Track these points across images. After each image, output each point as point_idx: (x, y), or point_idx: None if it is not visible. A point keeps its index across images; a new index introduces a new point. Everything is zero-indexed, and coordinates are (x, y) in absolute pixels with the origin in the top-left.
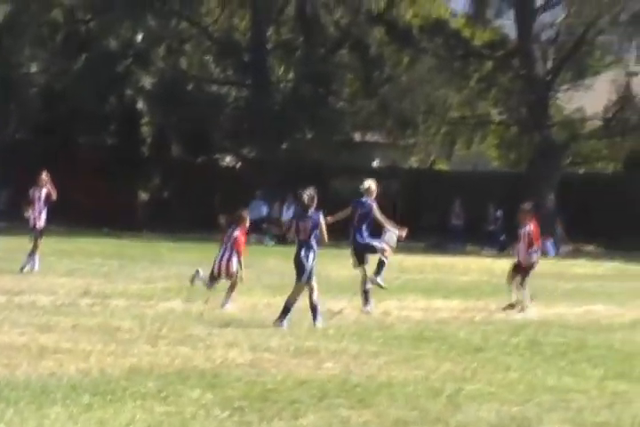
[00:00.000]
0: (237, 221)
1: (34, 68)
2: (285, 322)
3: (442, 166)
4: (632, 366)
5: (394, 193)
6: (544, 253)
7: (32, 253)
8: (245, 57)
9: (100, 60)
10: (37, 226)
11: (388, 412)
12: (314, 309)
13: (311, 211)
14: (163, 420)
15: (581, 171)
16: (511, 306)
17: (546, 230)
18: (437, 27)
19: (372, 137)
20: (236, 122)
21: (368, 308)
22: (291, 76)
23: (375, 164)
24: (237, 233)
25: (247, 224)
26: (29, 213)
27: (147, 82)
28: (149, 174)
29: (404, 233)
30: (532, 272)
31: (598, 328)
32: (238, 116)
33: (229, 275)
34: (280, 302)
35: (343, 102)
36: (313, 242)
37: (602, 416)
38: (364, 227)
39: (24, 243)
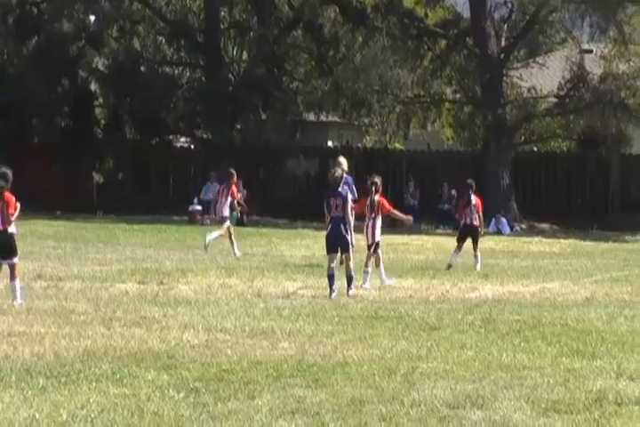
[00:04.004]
0: (375, 188)
1: None
2: (354, 289)
3: (397, 146)
4: (586, 343)
5: (349, 173)
6: (499, 232)
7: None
8: (199, 38)
9: (52, 43)
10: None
11: (344, 391)
12: (350, 277)
13: (341, 188)
14: (118, 402)
15: (535, 149)
16: None
17: (501, 209)
18: (391, 6)
19: (326, 117)
20: (189, 103)
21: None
22: (244, 56)
23: (330, 144)
24: (378, 197)
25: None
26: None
27: (100, 63)
28: (103, 156)
29: None
30: None
31: (553, 306)
32: (192, 97)
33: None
34: (235, 282)
35: (297, 83)
36: (345, 217)
37: (556, 393)
38: None
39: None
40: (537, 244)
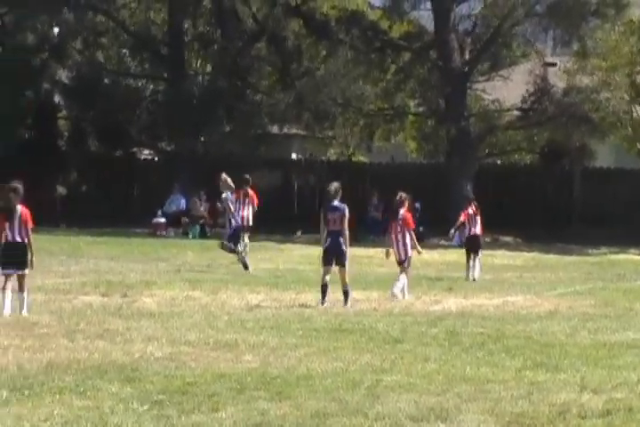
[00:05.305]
0: (400, 204)
1: None
2: (349, 303)
3: (360, 158)
4: (549, 355)
5: (312, 185)
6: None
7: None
8: (162, 50)
9: (15, 54)
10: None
11: (308, 404)
12: (346, 292)
13: (337, 202)
14: (81, 414)
15: (499, 162)
16: None
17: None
18: (354, 19)
19: (289, 130)
20: (153, 115)
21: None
22: (208, 69)
23: (293, 156)
24: (403, 212)
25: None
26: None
27: (63, 76)
28: (67, 169)
29: None
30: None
31: (516, 319)
32: (155, 109)
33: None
34: (199, 295)
35: (260, 95)
36: (343, 231)
37: (520, 406)
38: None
39: None
40: (500, 257)
